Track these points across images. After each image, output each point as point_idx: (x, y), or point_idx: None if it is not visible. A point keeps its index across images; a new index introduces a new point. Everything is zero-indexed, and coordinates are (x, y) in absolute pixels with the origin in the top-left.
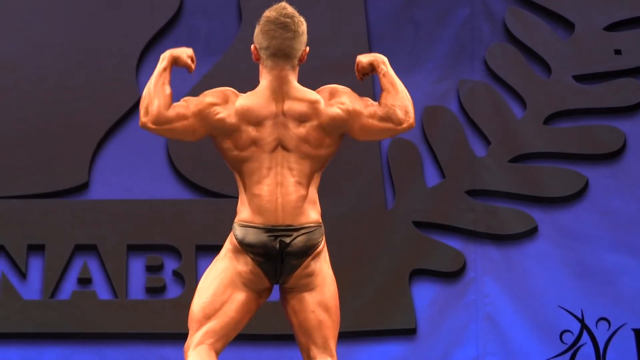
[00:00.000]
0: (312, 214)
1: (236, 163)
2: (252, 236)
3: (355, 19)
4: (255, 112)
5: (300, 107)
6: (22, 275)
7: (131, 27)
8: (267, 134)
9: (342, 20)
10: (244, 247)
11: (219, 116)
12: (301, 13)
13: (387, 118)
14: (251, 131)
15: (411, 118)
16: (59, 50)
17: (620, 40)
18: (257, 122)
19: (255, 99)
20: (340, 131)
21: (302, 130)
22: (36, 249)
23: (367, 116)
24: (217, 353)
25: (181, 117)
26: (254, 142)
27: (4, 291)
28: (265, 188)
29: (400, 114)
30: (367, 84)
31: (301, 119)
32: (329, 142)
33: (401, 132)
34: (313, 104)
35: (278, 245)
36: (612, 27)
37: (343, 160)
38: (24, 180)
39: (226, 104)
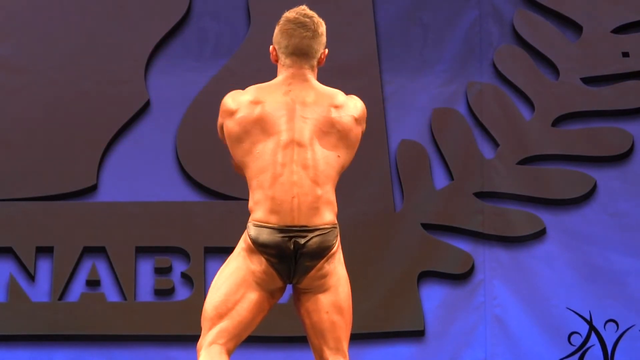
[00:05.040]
0: (328, 215)
1: (248, 158)
2: (266, 236)
3: (363, 22)
4: (268, 103)
5: (316, 103)
6: (31, 277)
7: (140, 29)
8: (281, 127)
9: (350, 22)
10: (257, 247)
11: (233, 129)
12: None
13: None
14: (264, 123)
15: None
16: (68, 53)
17: (628, 43)
18: (271, 114)
19: (270, 91)
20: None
21: (318, 126)
22: (45, 251)
23: None
24: (229, 353)
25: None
26: (268, 135)
27: (13, 293)
28: (280, 187)
29: None
30: (375, 87)
31: (318, 114)
32: (354, 139)
33: None
34: (330, 100)
35: (292, 246)
36: (620, 29)
37: (352, 162)
38: (33, 182)
39: (232, 115)
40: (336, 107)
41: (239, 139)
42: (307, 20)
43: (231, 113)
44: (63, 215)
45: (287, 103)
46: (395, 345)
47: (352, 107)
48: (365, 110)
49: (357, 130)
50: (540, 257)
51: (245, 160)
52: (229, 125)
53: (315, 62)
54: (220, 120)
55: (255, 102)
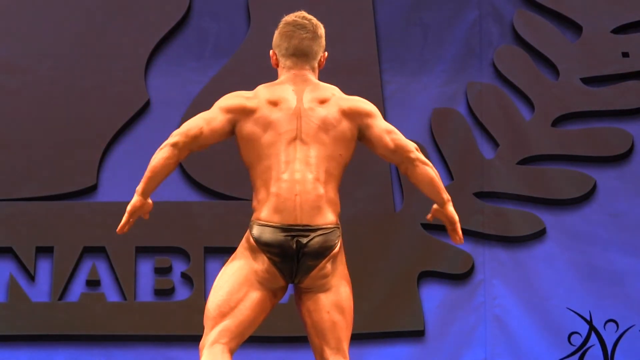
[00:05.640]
0: (330, 214)
1: (254, 157)
2: (269, 235)
3: (363, 22)
4: (274, 101)
5: (317, 101)
6: (31, 277)
7: (140, 29)
8: (286, 126)
9: (350, 23)
10: (260, 246)
11: (245, 104)
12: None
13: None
14: (275, 123)
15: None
16: (68, 53)
17: (628, 43)
18: (280, 114)
19: (280, 91)
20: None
21: (319, 124)
22: (45, 251)
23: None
24: (232, 352)
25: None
26: (276, 134)
27: (13, 293)
28: (283, 185)
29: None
30: (375, 87)
31: (318, 113)
32: (348, 133)
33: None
34: (327, 97)
35: (295, 245)
36: (620, 29)
37: (352, 162)
38: (33, 182)
39: (251, 114)
40: (324, 100)
41: (255, 140)
42: (306, 22)
43: (250, 112)
44: (63, 215)
45: (292, 103)
46: (395, 345)
47: (340, 100)
48: (358, 104)
49: (347, 124)
50: (540, 257)
51: (252, 160)
52: (246, 125)
53: (315, 64)
54: (231, 116)
55: (274, 104)
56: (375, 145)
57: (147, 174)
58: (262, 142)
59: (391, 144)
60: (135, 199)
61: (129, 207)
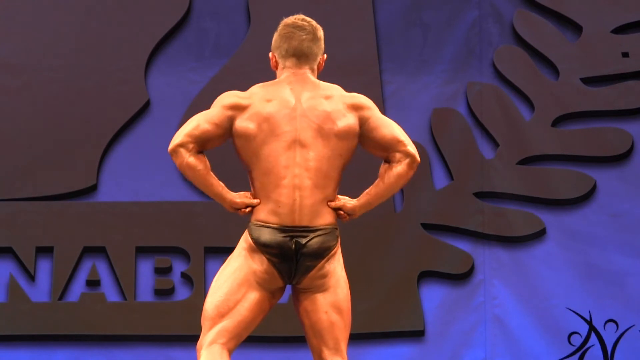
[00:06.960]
0: (329, 215)
1: (253, 158)
2: (268, 236)
3: (363, 22)
4: (276, 102)
5: (316, 100)
6: (31, 277)
7: (140, 29)
8: (285, 127)
9: (350, 23)
10: (259, 247)
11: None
12: (310, 16)
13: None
14: (272, 122)
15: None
16: (68, 52)
17: (628, 43)
18: (277, 113)
19: (275, 90)
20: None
21: (319, 123)
22: (45, 251)
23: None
24: (230, 352)
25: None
26: (274, 135)
27: (13, 293)
28: (283, 191)
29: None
30: (375, 87)
31: (318, 112)
32: (352, 127)
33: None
34: (325, 94)
35: (293, 246)
36: (620, 29)
37: (352, 163)
38: (33, 182)
39: (244, 110)
40: (327, 97)
41: (250, 137)
42: (306, 24)
43: (243, 108)
44: (63, 215)
45: (289, 102)
46: (395, 345)
47: (344, 97)
48: (360, 98)
49: (352, 118)
50: (540, 257)
51: (251, 161)
52: (241, 123)
53: (315, 66)
54: (228, 112)
55: (267, 100)
56: (373, 134)
57: (201, 188)
58: (257, 141)
59: (389, 134)
60: (226, 206)
61: (232, 210)
